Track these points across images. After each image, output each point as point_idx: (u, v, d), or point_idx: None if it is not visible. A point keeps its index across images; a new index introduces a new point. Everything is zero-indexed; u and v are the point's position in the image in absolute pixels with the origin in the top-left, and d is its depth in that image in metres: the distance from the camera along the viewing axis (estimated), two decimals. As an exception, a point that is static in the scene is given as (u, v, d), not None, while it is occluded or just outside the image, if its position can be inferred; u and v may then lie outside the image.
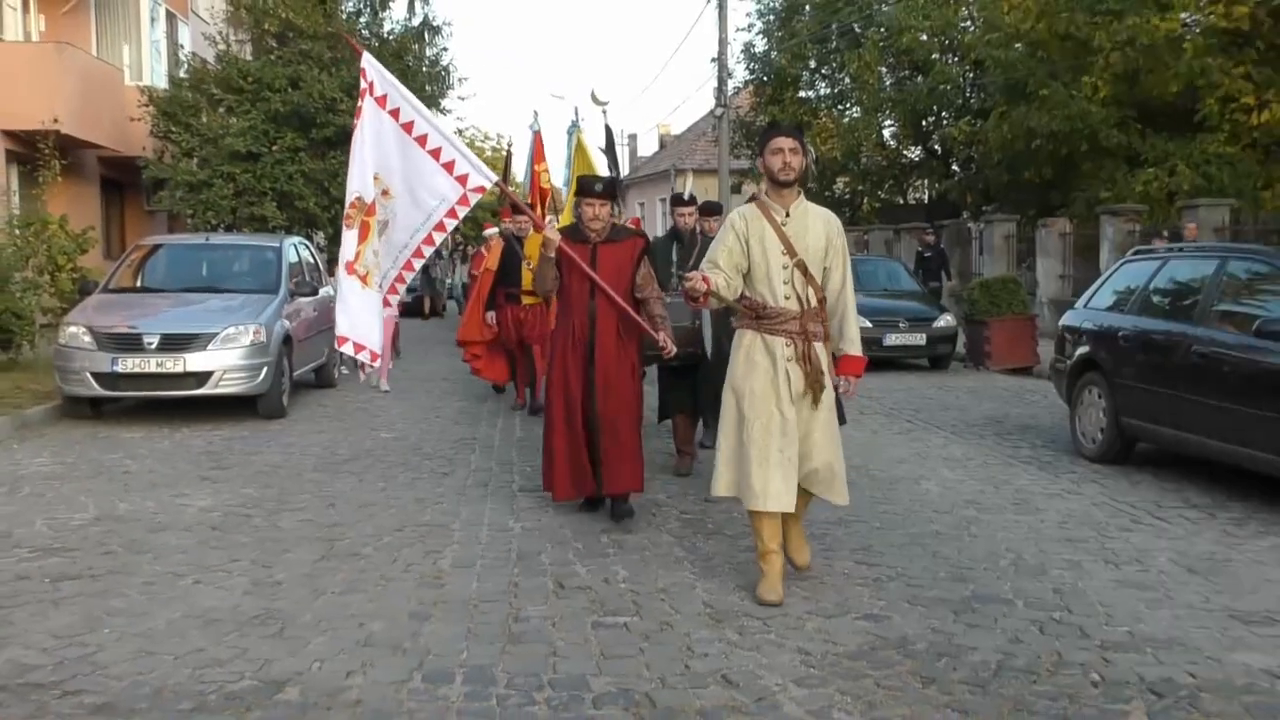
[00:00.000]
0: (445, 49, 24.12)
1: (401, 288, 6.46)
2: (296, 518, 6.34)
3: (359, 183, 6.06)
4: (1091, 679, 3.90)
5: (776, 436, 4.70)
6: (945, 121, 26.42)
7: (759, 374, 4.78)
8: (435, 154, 6.09)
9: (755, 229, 4.83)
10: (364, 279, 6.08)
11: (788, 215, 4.83)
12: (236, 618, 4.53)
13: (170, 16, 21.61)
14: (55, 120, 16.71)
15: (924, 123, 27.36)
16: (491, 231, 13.05)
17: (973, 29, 24.93)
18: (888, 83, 27.85)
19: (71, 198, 17.73)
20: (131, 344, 9.61)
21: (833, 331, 4.91)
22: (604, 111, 11.22)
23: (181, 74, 20.96)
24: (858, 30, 27.46)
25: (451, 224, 6.21)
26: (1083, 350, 8.27)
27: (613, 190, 6.41)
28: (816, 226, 4.86)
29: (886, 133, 28.67)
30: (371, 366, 6.58)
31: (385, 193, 6.12)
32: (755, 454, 4.70)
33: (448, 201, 6.11)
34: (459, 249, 29.72)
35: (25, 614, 4.56)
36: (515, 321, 10.30)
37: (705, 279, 4.69)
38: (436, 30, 21.99)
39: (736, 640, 4.30)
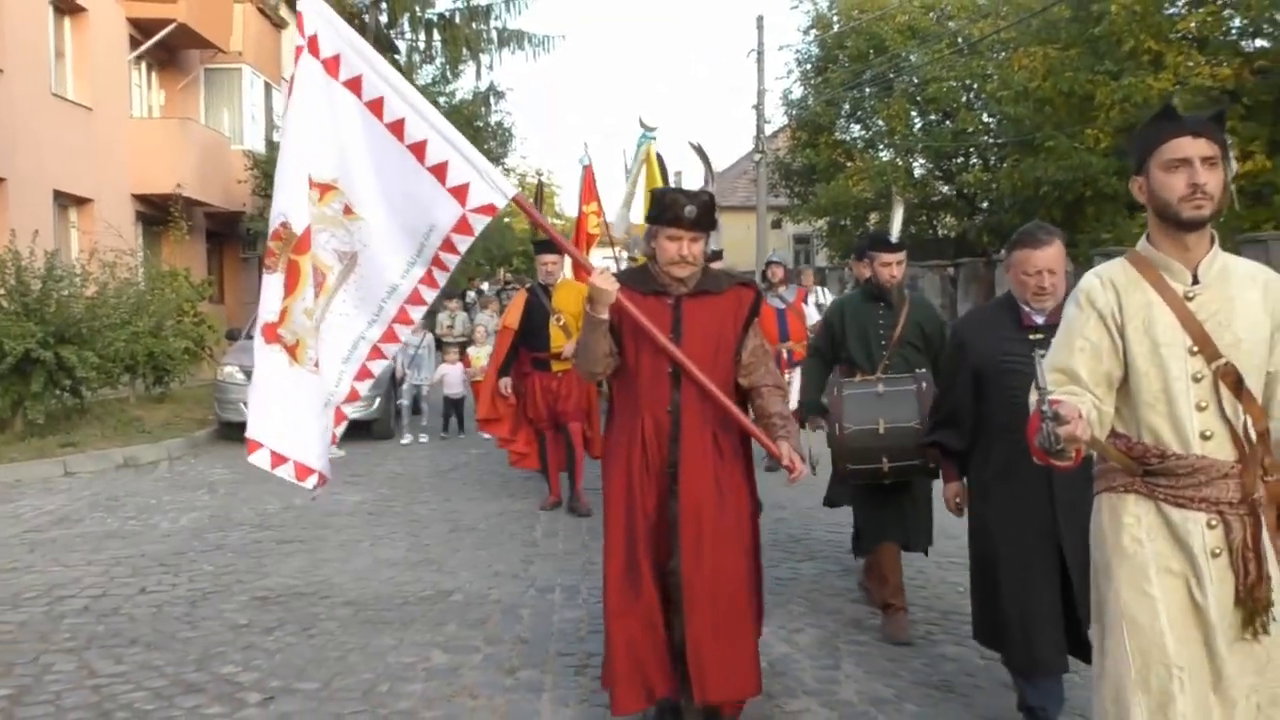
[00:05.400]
0: (509, 113, 26.61)
1: (379, 365, 4.25)
2: (426, 507, 8.70)
3: (286, 199, 3.92)
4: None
5: (1207, 699, 2.65)
6: (972, 163, 28.58)
7: (1169, 580, 2.70)
8: (419, 151, 3.92)
9: (1134, 307, 2.74)
10: (292, 351, 3.94)
11: (1195, 281, 2.72)
12: (408, 561, 6.89)
13: (267, 86, 24.32)
14: (179, 186, 19.45)
15: (951, 163, 29.51)
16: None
17: (995, 78, 27.09)
18: (917, 125, 29.99)
19: (184, 250, 20.39)
20: (275, 380, 12.07)
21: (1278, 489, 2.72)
22: (653, 140, 10.14)
23: (276, 138, 23.64)
24: (891, 76, 29.68)
25: (452, 261, 4.06)
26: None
27: (712, 216, 4.11)
28: (1249, 296, 2.72)
29: (917, 171, 30.82)
30: (303, 487, 4.08)
31: (347, 210, 4.02)
32: None
33: (440, 229, 3.98)
34: (509, 286, 23.95)
35: (270, 561, 6.94)
36: (545, 393, 8.30)
37: (1081, 415, 2.56)
38: (500, 95, 24.58)
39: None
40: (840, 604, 5.91)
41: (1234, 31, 21.16)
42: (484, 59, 24.89)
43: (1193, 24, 19.94)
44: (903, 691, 4.63)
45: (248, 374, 12.22)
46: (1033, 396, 2.58)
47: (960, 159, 29.16)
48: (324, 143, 3.96)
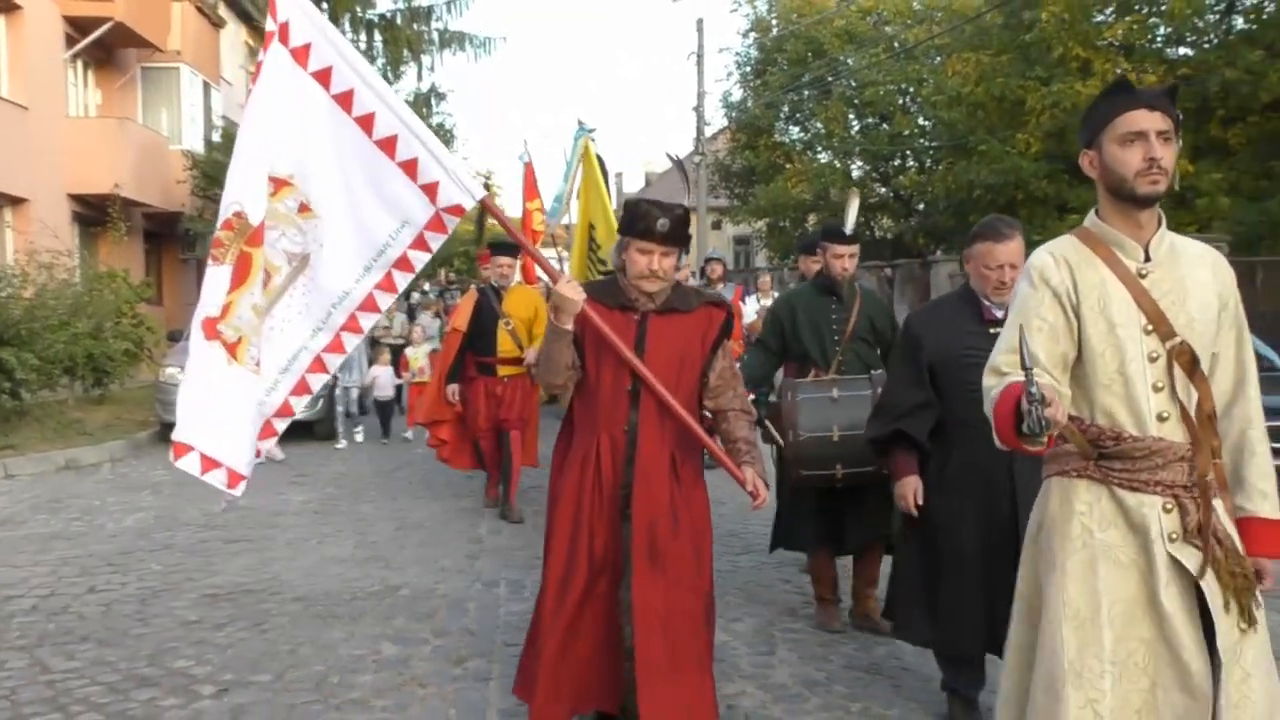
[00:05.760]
0: (450, 115, 26.66)
1: (319, 380, 4.05)
2: (372, 505, 8.83)
3: (241, 188, 3.79)
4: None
5: (1173, 696, 2.57)
6: (909, 165, 29.14)
7: (1117, 574, 2.62)
8: (388, 147, 3.82)
9: (1088, 285, 2.67)
10: (232, 349, 3.77)
11: (1147, 258, 2.66)
12: (355, 558, 7.02)
13: (205, 86, 24.15)
14: (116, 186, 19.28)
15: (888, 166, 30.04)
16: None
17: (929, 82, 27.66)
18: (855, 128, 30.48)
19: (122, 251, 20.19)
20: (218, 381, 12.10)
21: (1224, 473, 2.74)
22: (592, 140, 9.88)
23: (215, 138, 23.48)
24: (829, 79, 30.15)
25: (420, 260, 3.93)
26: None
27: (686, 230, 3.85)
28: (1199, 276, 2.68)
29: (854, 173, 31.32)
30: (231, 494, 3.94)
31: (304, 207, 3.88)
32: None
33: (413, 225, 3.86)
34: (452, 288, 24.61)
35: (219, 559, 7.03)
36: (488, 397, 8.26)
37: (1058, 397, 2.50)
38: (442, 97, 24.61)
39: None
40: (775, 594, 6.15)
41: (1159, 40, 21.84)
42: (425, 60, 24.94)
43: (1119, 32, 20.56)
44: (833, 674, 4.87)
45: (190, 375, 12.30)
46: (988, 380, 2.65)
47: (897, 161, 29.71)
48: (284, 135, 3.81)
